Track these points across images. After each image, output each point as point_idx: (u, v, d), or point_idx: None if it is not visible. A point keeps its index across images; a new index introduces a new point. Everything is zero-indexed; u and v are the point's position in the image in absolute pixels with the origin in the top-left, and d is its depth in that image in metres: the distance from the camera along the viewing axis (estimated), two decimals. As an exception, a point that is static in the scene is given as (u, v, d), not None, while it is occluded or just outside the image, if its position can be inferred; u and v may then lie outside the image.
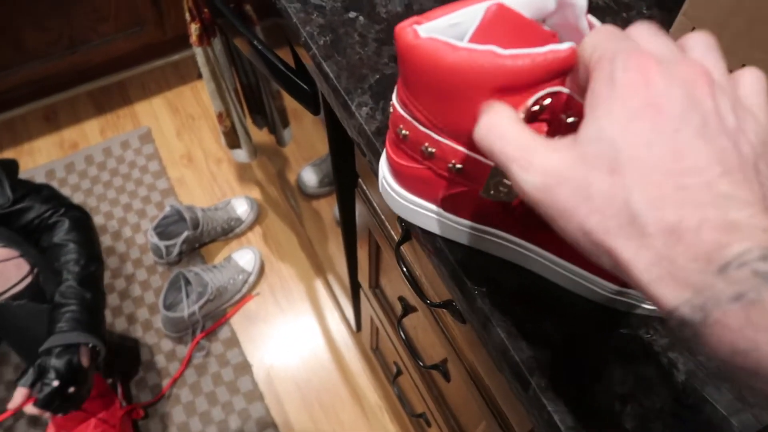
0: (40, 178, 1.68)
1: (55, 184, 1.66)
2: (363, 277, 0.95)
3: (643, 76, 0.24)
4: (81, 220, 1.16)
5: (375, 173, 0.50)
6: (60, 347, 1.00)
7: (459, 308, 0.52)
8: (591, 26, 0.34)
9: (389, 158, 0.43)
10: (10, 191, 1.09)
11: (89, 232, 1.17)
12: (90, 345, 1.04)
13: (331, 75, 0.52)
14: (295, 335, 1.47)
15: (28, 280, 1.12)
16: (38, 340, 1.06)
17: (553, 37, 0.34)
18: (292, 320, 1.49)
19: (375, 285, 0.92)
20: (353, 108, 0.50)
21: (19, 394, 0.99)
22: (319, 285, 1.54)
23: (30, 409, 0.99)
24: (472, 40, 0.33)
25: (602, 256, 0.25)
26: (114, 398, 1.27)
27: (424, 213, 0.44)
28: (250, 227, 1.60)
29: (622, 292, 0.40)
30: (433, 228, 0.45)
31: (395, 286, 0.80)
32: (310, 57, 0.55)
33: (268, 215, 1.63)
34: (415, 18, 0.35)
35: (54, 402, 0.99)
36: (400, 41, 0.34)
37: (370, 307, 1.00)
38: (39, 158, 1.74)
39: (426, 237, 0.45)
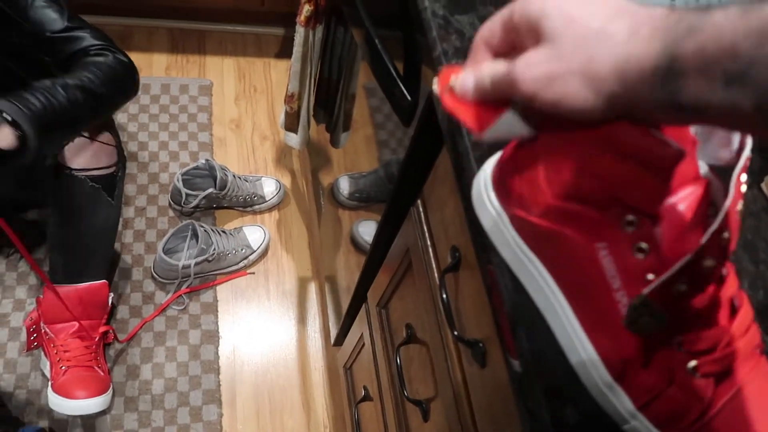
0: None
1: (105, 97, 1.68)
2: (373, 294, 0.96)
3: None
4: (125, 64, 1.07)
5: (463, 193, 0.52)
6: None
7: (493, 350, 0.53)
8: None
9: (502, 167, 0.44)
10: (68, 20, 1.03)
11: (125, 74, 1.07)
12: (11, 119, 0.86)
13: (453, 94, 0.55)
14: (271, 325, 1.47)
15: (111, 170, 1.15)
16: (88, 226, 1.08)
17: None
18: (275, 310, 1.49)
19: (384, 305, 0.93)
20: (464, 131, 0.52)
21: None
22: (312, 287, 1.54)
23: None
24: None
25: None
26: (104, 314, 1.25)
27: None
28: (270, 209, 1.61)
29: (612, 386, 0.41)
30: (505, 254, 0.45)
31: (408, 311, 0.81)
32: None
33: (290, 204, 1.65)
34: None
35: None
36: None
37: (366, 325, 1.00)
38: (100, 69, 1.76)
39: (501, 271, 0.46)
